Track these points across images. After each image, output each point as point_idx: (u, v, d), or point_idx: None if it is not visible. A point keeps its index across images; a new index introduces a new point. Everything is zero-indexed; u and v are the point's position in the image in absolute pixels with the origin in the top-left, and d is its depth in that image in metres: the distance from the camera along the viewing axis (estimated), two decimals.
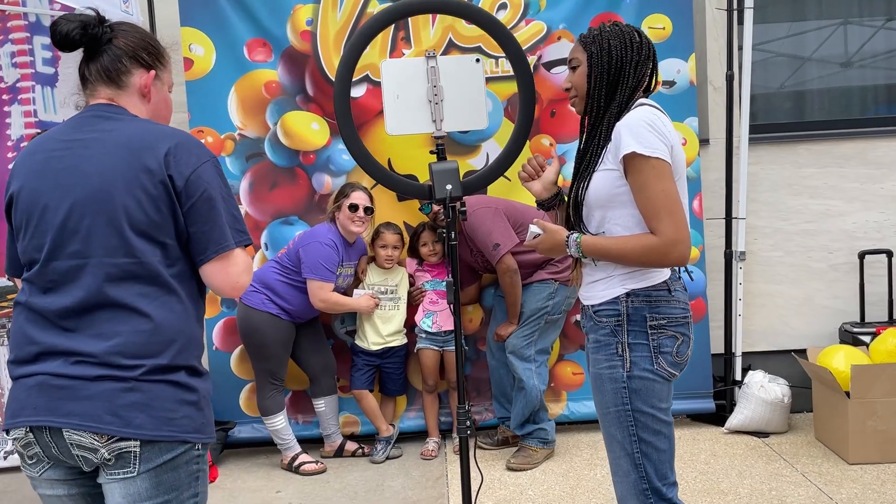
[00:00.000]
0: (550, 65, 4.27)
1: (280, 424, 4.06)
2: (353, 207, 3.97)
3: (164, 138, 1.71)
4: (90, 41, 1.75)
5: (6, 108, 4.25)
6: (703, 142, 4.48)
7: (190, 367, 1.72)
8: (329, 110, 4.28)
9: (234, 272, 1.76)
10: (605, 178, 2.14)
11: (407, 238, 4.28)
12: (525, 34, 4.25)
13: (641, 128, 2.05)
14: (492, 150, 4.28)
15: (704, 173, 4.44)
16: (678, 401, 4.39)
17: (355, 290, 4.14)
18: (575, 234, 2.20)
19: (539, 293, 3.99)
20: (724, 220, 4.43)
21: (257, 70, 4.27)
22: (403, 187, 2.14)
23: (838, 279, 4.59)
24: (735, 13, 4.33)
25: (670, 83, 4.32)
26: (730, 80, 4.32)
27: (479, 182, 2.16)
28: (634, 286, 2.15)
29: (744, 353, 4.50)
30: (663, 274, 2.16)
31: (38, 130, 4.09)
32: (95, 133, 1.71)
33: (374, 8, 4.23)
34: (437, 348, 4.24)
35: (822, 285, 4.60)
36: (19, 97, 4.25)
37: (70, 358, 1.64)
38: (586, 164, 2.21)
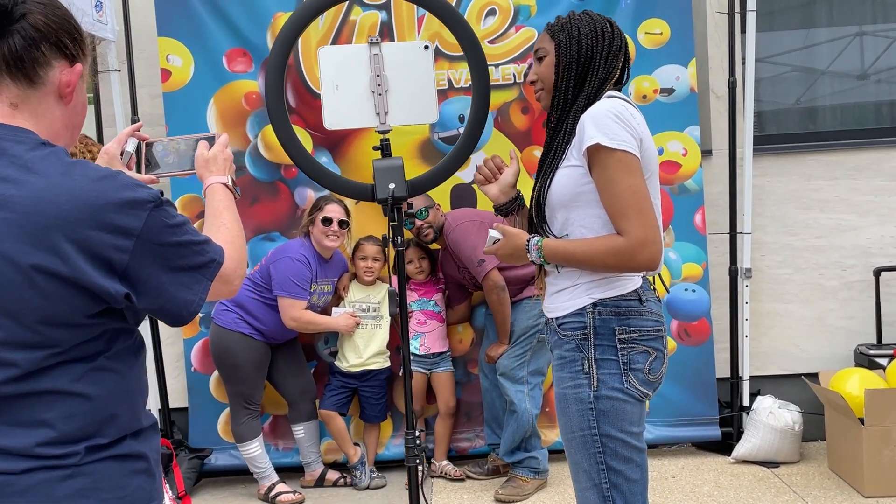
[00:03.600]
0: None
1: (255, 452, 3.84)
2: (327, 221, 3.78)
3: (86, 205, 1.24)
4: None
5: None
6: (706, 153, 4.25)
7: (135, 431, 1.41)
8: (312, 122, 4.10)
9: (224, 292, 1.46)
10: (569, 176, 1.94)
11: (391, 252, 4.07)
12: (515, 41, 4.06)
13: (607, 118, 1.85)
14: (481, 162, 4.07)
15: (707, 186, 4.20)
16: (682, 428, 4.14)
17: (335, 308, 3.93)
18: (536, 238, 1.99)
19: (529, 311, 3.76)
20: (728, 236, 4.18)
21: (237, 81, 4.11)
22: (343, 187, 1.94)
23: (852, 298, 4.31)
24: (737, 17, 4.11)
25: (669, 90, 4.10)
26: (732, 87, 4.09)
27: (426, 182, 1.95)
28: (602, 295, 1.93)
29: (752, 377, 4.22)
30: (634, 282, 1.94)
31: None
32: None
33: (357, 15, 4.07)
34: (424, 371, 4.02)
35: (835, 305, 4.32)
36: None
37: None
38: (550, 161, 2.00)
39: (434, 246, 4.05)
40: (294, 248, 3.76)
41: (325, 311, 3.96)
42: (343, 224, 3.83)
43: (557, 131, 2.01)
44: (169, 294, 1.35)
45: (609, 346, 1.91)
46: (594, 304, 1.93)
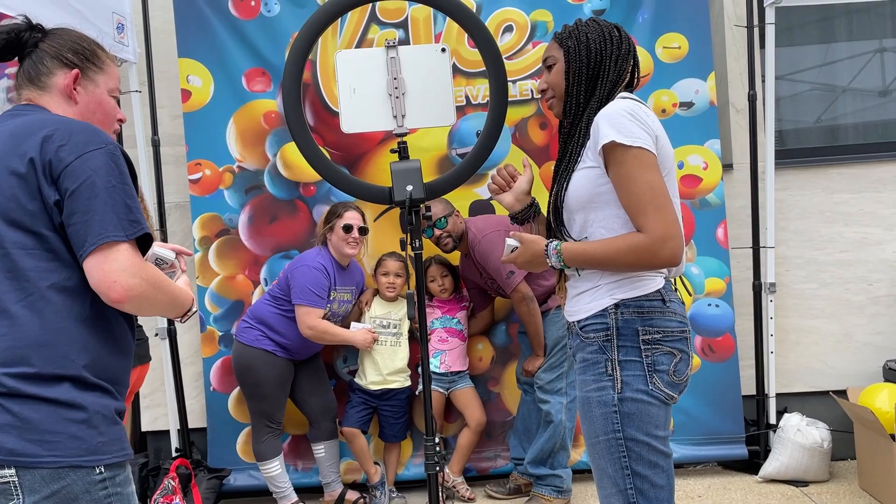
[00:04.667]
0: None
1: (275, 471, 3.80)
2: (348, 228, 3.75)
3: (52, 123, 1.54)
4: (17, 46, 1.69)
5: None
6: (727, 167, 4.21)
7: (74, 378, 1.50)
8: (330, 140, 4.11)
9: (109, 269, 1.48)
10: (586, 177, 1.93)
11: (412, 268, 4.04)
12: (532, 57, 4.06)
13: (621, 117, 1.85)
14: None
15: (729, 200, 4.15)
16: (708, 446, 4.05)
17: (353, 323, 3.90)
18: (554, 242, 1.97)
19: (557, 321, 3.70)
20: (751, 250, 4.12)
21: (256, 100, 4.14)
22: (360, 190, 1.93)
23: (880, 313, 4.23)
24: (756, 31, 4.09)
25: (688, 104, 4.07)
26: (752, 99, 4.06)
27: (445, 184, 1.94)
28: (624, 296, 1.90)
29: (778, 395, 4.13)
30: (656, 282, 1.91)
31: None
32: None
33: (375, 34, 4.10)
34: (442, 390, 3.96)
35: (862, 320, 4.24)
36: None
37: None
38: (566, 165, 1.99)
39: (452, 258, 4.02)
40: (311, 257, 3.75)
41: (345, 321, 3.93)
42: (363, 231, 3.80)
43: (571, 135, 2.01)
44: (86, 218, 1.49)
45: (633, 347, 1.88)
46: (616, 305, 1.90)
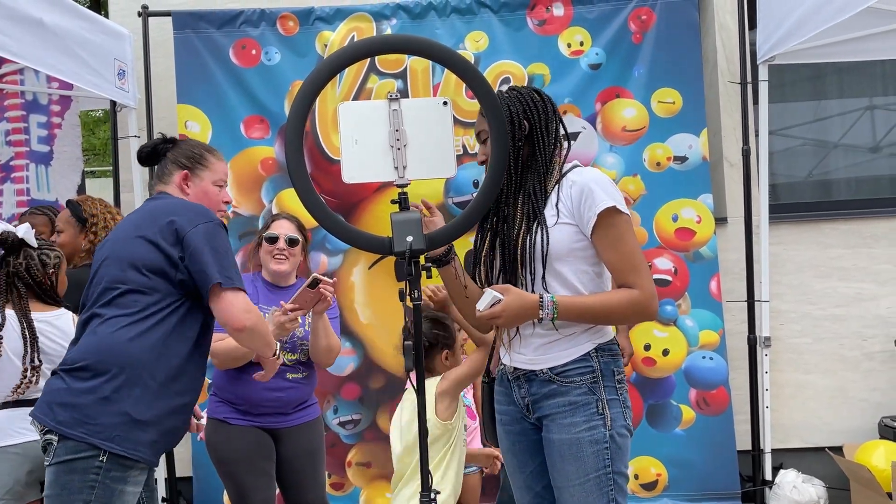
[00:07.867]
0: None
1: None
2: (272, 239, 3.06)
3: (177, 204, 2.23)
4: (155, 155, 2.42)
5: None
6: (721, 220, 4.24)
7: (126, 383, 2.04)
8: (327, 188, 4.12)
9: (230, 310, 2.13)
10: (564, 232, 2.06)
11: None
12: None
13: (610, 186, 2.06)
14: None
15: (722, 253, 4.17)
16: (703, 503, 4.00)
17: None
18: (548, 295, 2.03)
19: None
20: (745, 304, 4.12)
21: (254, 147, 4.16)
22: (359, 239, 1.94)
23: (874, 369, 4.22)
24: (749, 87, 4.15)
25: (682, 159, 4.11)
26: (746, 154, 4.10)
27: (446, 235, 1.95)
28: (601, 341, 2.09)
29: (774, 450, 4.10)
30: (612, 328, 2.14)
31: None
32: (142, 208, 2.33)
33: (374, 83, 4.14)
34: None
35: (857, 375, 4.23)
36: (12, 175, 4.17)
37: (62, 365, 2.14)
38: (527, 218, 2.08)
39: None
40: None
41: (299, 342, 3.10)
42: (292, 242, 3.09)
43: (533, 194, 2.09)
44: (203, 265, 2.12)
45: (611, 387, 2.05)
46: (597, 349, 2.06)
